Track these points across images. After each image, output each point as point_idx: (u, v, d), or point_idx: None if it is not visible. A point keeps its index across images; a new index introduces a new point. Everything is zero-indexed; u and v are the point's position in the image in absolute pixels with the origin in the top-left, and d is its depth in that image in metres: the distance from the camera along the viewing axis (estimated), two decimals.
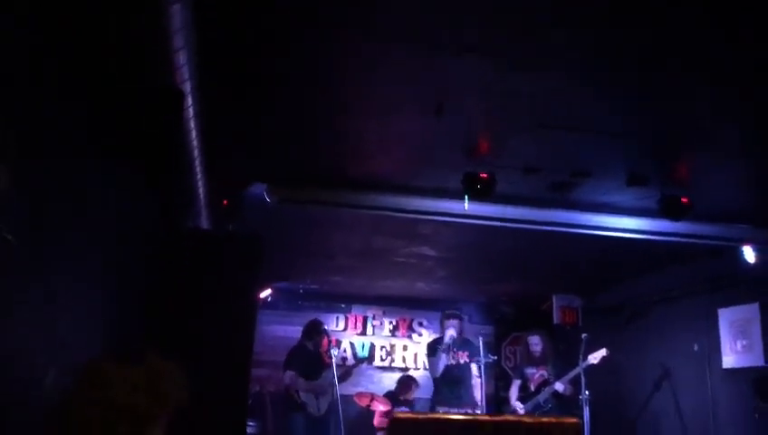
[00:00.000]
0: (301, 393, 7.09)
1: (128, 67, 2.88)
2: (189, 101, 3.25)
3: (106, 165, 3.17)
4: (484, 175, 4.68)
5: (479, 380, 6.82)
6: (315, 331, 7.52)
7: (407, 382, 8.92)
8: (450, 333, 6.85)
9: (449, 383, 6.84)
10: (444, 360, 6.82)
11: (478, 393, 6.81)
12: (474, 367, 6.90)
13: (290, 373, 7.14)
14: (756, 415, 6.03)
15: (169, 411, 1.73)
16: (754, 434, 5.99)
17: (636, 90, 3.76)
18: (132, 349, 1.80)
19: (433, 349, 7.04)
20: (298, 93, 3.91)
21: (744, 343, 6.56)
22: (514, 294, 9.64)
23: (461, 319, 7.11)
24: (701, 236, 5.85)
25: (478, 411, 6.79)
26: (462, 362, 6.88)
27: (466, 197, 5.02)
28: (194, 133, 3.63)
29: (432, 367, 6.95)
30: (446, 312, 7.18)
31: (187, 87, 3.11)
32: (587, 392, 6.66)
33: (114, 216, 3.44)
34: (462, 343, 7.00)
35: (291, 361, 7.28)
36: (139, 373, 1.67)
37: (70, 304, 2.80)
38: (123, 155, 3.31)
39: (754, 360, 6.39)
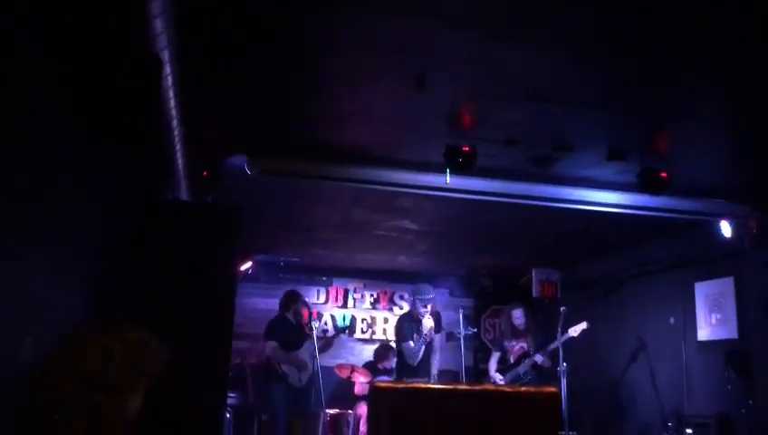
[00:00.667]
0: (282, 365, 7.11)
1: (104, 34, 2.82)
2: (168, 69, 3.20)
3: (82, 135, 3.12)
4: (466, 148, 4.67)
5: (437, 352, 6.83)
6: (293, 300, 7.50)
7: (384, 351, 8.99)
8: (429, 324, 6.56)
9: (422, 363, 6.73)
10: (422, 349, 6.63)
11: (437, 365, 6.80)
12: (437, 338, 6.83)
13: (271, 344, 7.14)
14: (729, 386, 6.16)
15: (146, 381, 1.73)
16: (727, 404, 6.12)
17: (618, 64, 3.75)
18: (110, 320, 1.79)
19: (407, 331, 6.74)
20: (279, 64, 3.86)
21: (719, 316, 6.67)
22: (494, 267, 9.71)
23: (435, 300, 6.81)
24: (679, 211, 5.91)
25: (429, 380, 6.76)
26: (431, 338, 6.72)
27: (448, 170, 5.02)
28: (172, 103, 3.57)
29: (410, 354, 6.64)
30: (420, 297, 6.69)
31: (166, 55, 3.05)
32: (565, 364, 6.76)
33: (92, 186, 3.39)
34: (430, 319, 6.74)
35: (271, 332, 7.27)
36: (115, 344, 1.67)
37: (47, 274, 2.77)
38: (100, 124, 3.26)
39: (728, 333, 6.52)
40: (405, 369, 6.83)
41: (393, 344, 9.09)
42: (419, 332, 6.59)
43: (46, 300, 2.76)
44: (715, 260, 6.71)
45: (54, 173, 2.74)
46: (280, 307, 7.57)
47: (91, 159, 3.31)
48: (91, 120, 3.07)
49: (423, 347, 6.60)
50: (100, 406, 1.60)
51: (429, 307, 6.64)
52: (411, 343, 6.60)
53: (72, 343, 1.67)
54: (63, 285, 3.08)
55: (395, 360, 8.70)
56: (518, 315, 7.40)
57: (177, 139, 4.09)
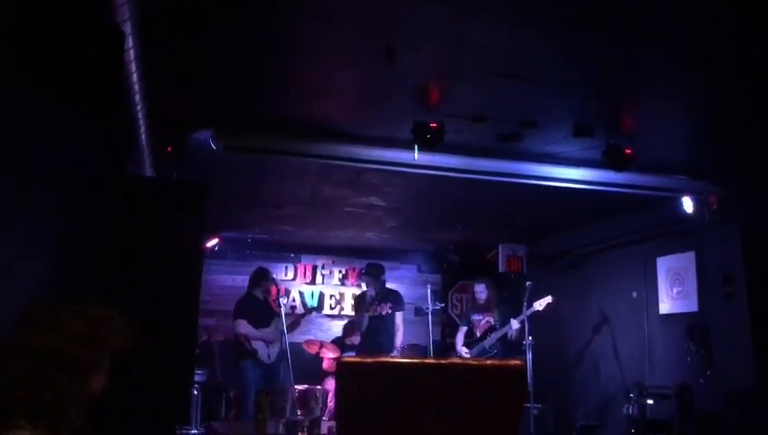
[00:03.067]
0: (252, 341, 7.13)
1: (65, 6, 2.75)
2: (130, 42, 3.12)
3: (45, 110, 3.04)
4: (434, 124, 4.67)
5: (401, 327, 7.27)
6: (263, 278, 7.50)
7: (351, 327, 9.04)
8: (369, 293, 7.27)
9: (372, 335, 7.19)
10: (366, 315, 7.22)
11: (399, 340, 7.24)
12: (398, 316, 7.25)
13: (242, 322, 7.16)
14: (689, 358, 6.32)
15: (109, 358, 1.72)
16: (686, 375, 6.29)
17: (584, 41, 3.77)
18: (72, 296, 1.77)
19: (358, 305, 7.54)
20: (244, 37, 3.80)
21: (680, 290, 6.83)
22: (462, 243, 9.80)
23: (374, 276, 7.33)
24: (642, 187, 6.02)
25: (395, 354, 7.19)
26: (384, 313, 7.20)
27: (416, 146, 5.02)
28: (135, 76, 3.50)
29: (358, 323, 7.43)
30: (364, 269, 7.55)
31: (128, 27, 2.98)
32: (530, 338, 6.87)
33: (55, 162, 3.32)
34: (384, 295, 7.30)
35: (241, 310, 7.28)
36: (77, 321, 1.65)
37: (9, 251, 2.72)
38: (63, 99, 3.19)
39: (689, 306, 6.67)
40: (360, 336, 7.51)
41: None
42: (364, 302, 7.34)
43: (6, 276, 2.71)
44: (677, 235, 6.85)
45: (16, 148, 2.68)
46: (249, 285, 7.55)
47: (53, 135, 3.24)
48: (52, 95, 3.00)
49: (366, 316, 7.19)
50: (59, 383, 1.58)
51: (369, 279, 7.33)
52: (359, 313, 7.41)
53: (30, 321, 1.64)
54: (25, 261, 3.02)
55: None
56: (480, 290, 7.54)
57: (140, 114, 4.01)
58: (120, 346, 1.74)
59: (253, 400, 6.84)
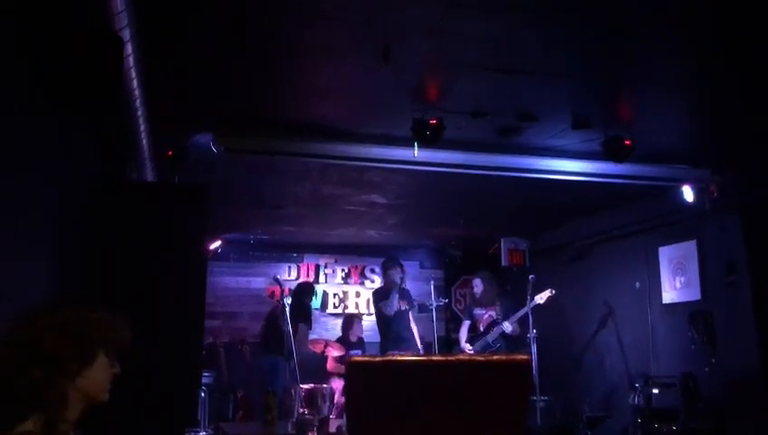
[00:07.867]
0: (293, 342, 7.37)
1: (64, 13, 2.76)
2: (129, 48, 3.14)
3: (45, 117, 3.06)
4: (434, 121, 4.69)
5: (415, 326, 7.44)
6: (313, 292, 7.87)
7: (349, 320, 9.05)
8: (399, 275, 7.22)
9: (398, 328, 7.21)
10: (398, 300, 7.18)
11: (418, 337, 7.43)
12: (411, 313, 7.41)
13: (303, 325, 7.62)
14: (693, 346, 6.34)
15: (101, 356, 1.72)
16: (690, 364, 6.30)
17: (579, 32, 3.78)
18: (66, 299, 1.79)
19: (384, 293, 7.32)
20: (242, 39, 3.81)
21: (682, 278, 6.85)
22: (464, 238, 9.80)
23: (403, 271, 7.40)
24: (642, 178, 6.03)
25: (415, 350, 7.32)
26: (404, 308, 7.29)
27: (416, 143, 5.03)
28: (135, 82, 3.51)
29: (388, 306, 7.18)
30: (389, 262, 7.49)
31: (127, 34, 3.00)
32: (534, 331, 6.89)
33: (57, 170, 3.34)
34: (402, 292, 7.37)
35: (300, 314, 7.54)
36: (51, 316, 1.68)
37: (16, 260, 2.74)
38: (63, 106, 3.20)
39: (691, 295, 6.69)
40: (381, 330, 7.34)
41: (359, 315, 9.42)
42: (394, 289, 7.23)
43: (15, 285, 2.72)
44: (678, 224, 6.86)
45: (18, 156, 2.69)
46: (296, 294, 7.78)
47: (54, 141, 3.25)
48: (52, 103, 3.01)
49: (397, 295, 7.17)
50: (37, 377, 1.59)
51: (400, 269, 7.34)
52: (387, 300, 7.19)
53: (20, 320, 1.68)
54: (31, 269, 3.04)
55: (361, 327, 8.95)
56: (476, 284, 7.60)
57: (140, 119, 4.03)
58: (115, 345, 1.75)
59: (280, 396, 7.01)
